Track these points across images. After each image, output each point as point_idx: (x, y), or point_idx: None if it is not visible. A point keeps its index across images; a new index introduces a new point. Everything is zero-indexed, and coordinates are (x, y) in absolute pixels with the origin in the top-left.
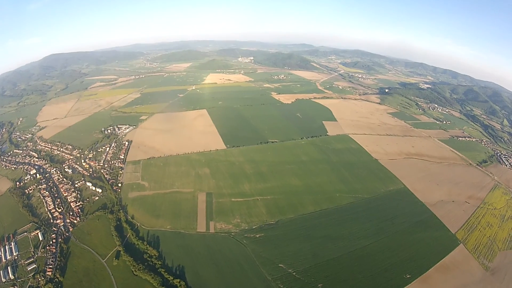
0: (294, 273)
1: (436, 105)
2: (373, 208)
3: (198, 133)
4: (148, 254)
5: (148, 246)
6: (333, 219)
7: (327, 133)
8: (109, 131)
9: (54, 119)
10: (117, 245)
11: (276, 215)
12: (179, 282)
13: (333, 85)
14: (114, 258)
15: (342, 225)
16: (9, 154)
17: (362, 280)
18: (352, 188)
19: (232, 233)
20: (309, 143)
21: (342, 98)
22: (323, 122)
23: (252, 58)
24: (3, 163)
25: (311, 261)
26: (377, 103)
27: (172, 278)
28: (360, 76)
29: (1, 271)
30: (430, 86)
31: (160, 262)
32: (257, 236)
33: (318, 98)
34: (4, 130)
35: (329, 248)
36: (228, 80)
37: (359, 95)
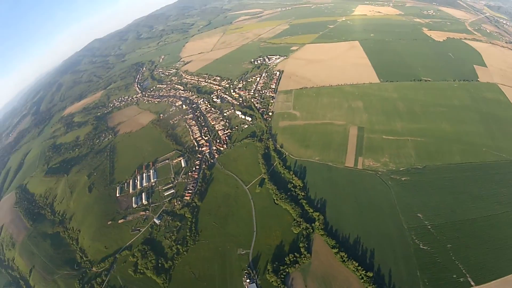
0: (429, 227)
1: None
2: None
3: (351, 65)
4: (292, 184)
5: (293, 176)
6: (477, 175)
7: (478, 79)
8: (259, 61)
9: (199, 53)
10: (262, 173)
11: (424, 159)
12: (318, 215)
13: (481, 28)
14: (258, 186)
15: (484, 184)
16: (151, 89)
17: (488, 252)
18: (499, 146)
19: (379, 172)
20: (461, 87)
21: (490, 43)
22: (474, 66)
23: None
24: (145, 98)
25: (448, 217)
26: None
27: (312, 210)
28: (504, 22)
29: (133, 198)
30: None
31: (303, 193)
32: (403, 179)
33: (469, 39)
34: (144, 68)
35: (467, 207)
36: (378, 12)
37: (506, 42)
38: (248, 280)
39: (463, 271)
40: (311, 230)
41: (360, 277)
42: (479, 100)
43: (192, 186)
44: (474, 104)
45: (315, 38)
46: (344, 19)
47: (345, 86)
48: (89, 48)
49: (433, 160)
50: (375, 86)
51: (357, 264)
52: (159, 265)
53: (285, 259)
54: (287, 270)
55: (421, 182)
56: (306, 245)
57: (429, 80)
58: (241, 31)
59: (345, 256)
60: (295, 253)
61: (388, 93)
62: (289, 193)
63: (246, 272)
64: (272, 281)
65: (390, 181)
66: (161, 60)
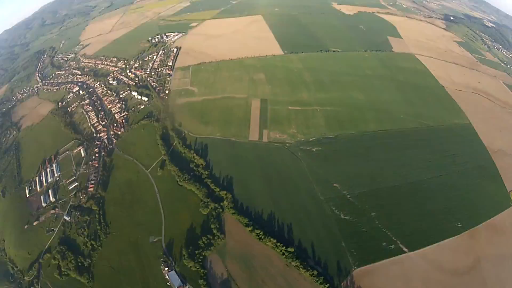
0: (348, 196)
1: (500, 46)
2: (436, 139)
3: (253, 39)
4: (194, 163)
5: (195, 154)
6: (396, 142)
7: (392, 49)
8: (156, 39)
9: (98, 35)
10: (162, 154)
11: (335, 128)
12: (226, 194)
13: (397, 3)
14: (159, 168)
15: (404, 151)
16: (51, 77)
17: (418, 218)
18: (417, 112)
19: (287, 144)
20: (373, 56)
21: (406, 16)
22: (388, 37)
23: None
24: (45, 87)
25: (369, 186)
26: (442, 28)
27: (218, 189)
28: None
29: (41, 196)
30: (494, 26)
31: (206, 172)
32: (314, 149)
33: (382, 13)
34: (45, 56)
35: (388, 174)
36: None
37: (424, 17)
38: (166, 268)
39: (393, 238)
40: (221, 210)
41: (281, 253)
42: (393, 69)
43: (94, 176)
44: (389, 73)
45: (216, 13)
46: None
47: (246, 59)
48: None
49: (345, 129)
50: (279, 58)
51: (275, 241)
52: (79, 264)
53: (198, 242)
54: (203, 254)
55: (334, 151)
56: (218, 226)
57: (338, 51)
58: (141, 10)
59: (261, 233)
60: (208, 235)
61: (292, 64)
62: (192, 173)
63: (162, 260)
64: (190, 266)
65: (300, 153)
66: (61, 46)
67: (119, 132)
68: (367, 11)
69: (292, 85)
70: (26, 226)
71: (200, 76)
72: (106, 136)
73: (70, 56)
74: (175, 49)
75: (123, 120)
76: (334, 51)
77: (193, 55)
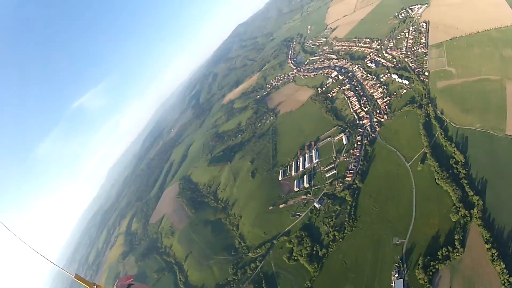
0: None
1: None
2: None
3: (490, 5)
4: (454, 159)
5: (455, 149)
6: None
7: None
8: (402, 14)
9: (343, 16)
10: (424, 146)
11: None
12: (478, 200)
13: None
14: (420, 162)
15: None
16: (305, 63)
17: None
18: None
19: None
20: None
21: None
22: None
23: None
24: (301, 73)
25: None
26: None
27: (472, 193)
28: None
29: (295, 181)
30: None
31: (464, 171)
32: None
33: None
34: (294, 43)
35: None
36: None
37: None
38: (396, 275)
39: None
40: (469, 218)
41: (502, 282)
42: None
43: (354, 165)
44: None
45: None
46: None
47: (491, 31)
48: (235, 34)
49: None
50: None
51: (503, 266)
52: (314, 252)
53: (438, 253)
54: (437, 267)
55: None
56: (461, 237)
57: None
58: None
59: (495, 253)
60: (448, 246)
61: None
62: (450, 171)
63: (396, 265)
64: (419, 278)
65: None
66: (308, 31)
67: (383, 119)
68: None
69: None
70: (271, 208)
71: (454, 54)
72: (369, 124)
73: (321, 41)
74: (424, 24)
75: (386, 106)
76: None
77: (443, 29)
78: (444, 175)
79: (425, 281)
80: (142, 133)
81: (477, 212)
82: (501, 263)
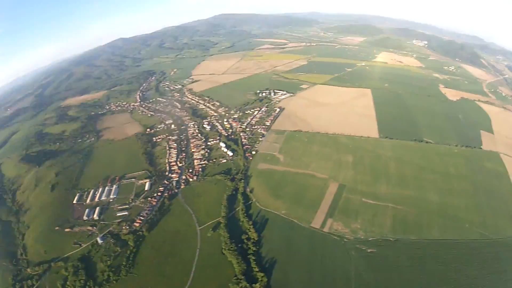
0: None
1: None
2: (491, 254)
3: (355, 115)
4: (247, 236)
5: (252, 226)
6: (451, 255)
7: (481, 146)
8: (264, 94)
9: (210, 74)
10: (221, 216)
11: (398, 231)
12: (262, 277)
13: (498, 90)
14: (211, 229)
15: (453, 268)
16: (150, 101)
17: None
18: (481, 221)
19: (345, 239)
20: (461, 153)
21: (503, 107)
22: (481, 131)
23: (426, 42)
24: (142, 108)
25: None
26: None
27: (257, 269)
28: None
29: (87, 209)
30: None
31: (255, 248)
32: (368, 251)
33: (482, 102)
34: (153, 78)
35: None
36: (399, 62)
37: None
38: None
39: None
40: None
41: None
42: (476, 169)
43: (146, 213)
44: (470, 173)
45: (329, 79)
46: (364, 64)
47: (341, 137)
48: (112, 45)
49: (408, 233)
50: (372, 141)
51: None
52: (86, 287)
53: None
54: None
55: (387, 257)
56: None
57: (431, 142)
58: (259, 59)
59: None
60: None
61: (383, 150)
62: (240, 245)
63: None
64: None
65: (353, 251)
66: (172, 73)
67: (191, 179)
68: (469, 98)
69: (375, 175)
70: (57, 228)
71: (291, 144)
72: (177, 179)
73: (176, 87)
74: (278, 110)
75: (200, 169)
76: (427, 142)
77: (293, 120)
78: (232, 247)
79: None
80: None
81: (260, 287)
82: None
